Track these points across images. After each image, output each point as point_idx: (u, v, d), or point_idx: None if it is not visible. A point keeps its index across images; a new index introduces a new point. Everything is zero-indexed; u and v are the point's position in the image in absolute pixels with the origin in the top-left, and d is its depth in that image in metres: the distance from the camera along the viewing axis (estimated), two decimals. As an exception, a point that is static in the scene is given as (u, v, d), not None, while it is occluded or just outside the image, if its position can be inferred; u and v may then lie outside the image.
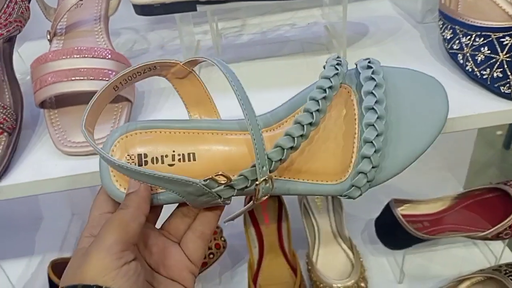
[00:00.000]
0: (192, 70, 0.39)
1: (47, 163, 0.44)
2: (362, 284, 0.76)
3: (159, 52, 0.66)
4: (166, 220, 0.39)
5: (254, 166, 0.32)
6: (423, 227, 0.75)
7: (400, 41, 0.58)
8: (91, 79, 0.44)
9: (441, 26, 0.50)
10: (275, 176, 0.35)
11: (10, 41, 0.51)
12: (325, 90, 0.34)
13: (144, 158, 0.35)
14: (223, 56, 0.61)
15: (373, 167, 0.33)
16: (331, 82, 0.34)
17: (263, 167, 0.32)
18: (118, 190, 0.35)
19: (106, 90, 0.35)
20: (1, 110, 0.44)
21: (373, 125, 0.33)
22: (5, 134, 0.44)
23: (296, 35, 0.64)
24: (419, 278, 0.80)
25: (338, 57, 0.37)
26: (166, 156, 0.35)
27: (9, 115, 0.45)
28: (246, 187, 0.33)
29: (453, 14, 0.47)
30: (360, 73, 0.36)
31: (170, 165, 0.35)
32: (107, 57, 0.45)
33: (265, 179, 0.32)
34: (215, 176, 0.31)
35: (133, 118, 0.48)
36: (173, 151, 0.35)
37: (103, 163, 0.35)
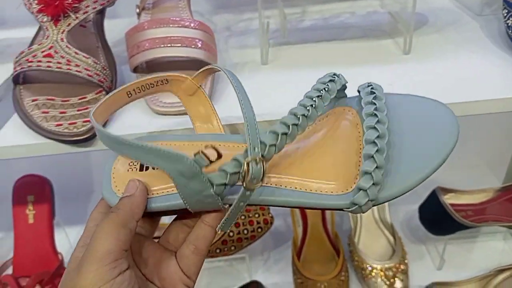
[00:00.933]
0: (200, 87, 0.42)
1: (141, 120, 0.49)
2: (403, 267, 0.79)
3: (226, 33, 0.71)
4: (166, 229, 0.39)
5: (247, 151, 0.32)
6: (466, 216, 0.77)
7: (461, 30, 0.61)
8: (184, 46, 0.49)
9: (505, 14, 0.53)
10: (276, 184, 0.35)
11: (102, 12, 0.57)
12: (320, 91, 0.36)
13: (146, 167, 0.37)
14: (288, 38, 0.65)
15: (373, 184, 0.32)
16: (328, 86, 0.37)
17: (254, 149, 0.32)
18: (118, 198, 0.35)
19: (119, 92, 0.39)
20: (101, 71, 0.49)
21: (374, 141, 0.33)
22: (104, 92, 0.49)
23: (357, 22, 0.68)
24: (458, 267, 0.82)
25: (334, 74, 0.39)
26: None
27: (107, 76, 0.50)
28: (239, 173, 0.32)
29: None
30: (362, 98, 0.37)
31: None
32: (196, 28, 0.50)
33: (255, 160, 0.32)
34: (205, 148, 0.31)
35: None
36: None
37: (106, 173, 0.37)
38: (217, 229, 0.36)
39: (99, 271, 0.29)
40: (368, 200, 0.32)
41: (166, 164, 0.32)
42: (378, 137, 0.33)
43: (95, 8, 0.52)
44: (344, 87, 0.40)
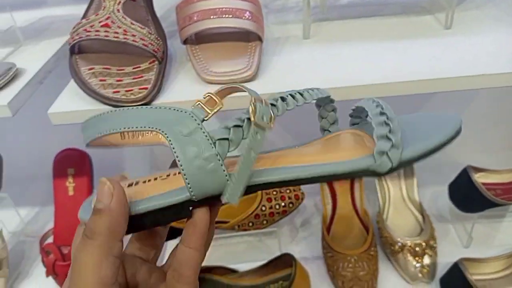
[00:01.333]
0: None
1: (192, 89, 0.51)
2: (432, 243, 0.80)
3: (264, 10, 0.72)
4: (171, 252, 0.33)
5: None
6: (496, 194, 0.78)
7: (501, 7, 0.61)
8: (234, 17, 0.50)
9: None
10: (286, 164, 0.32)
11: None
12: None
13: (135, 183, 0.32)
14: (328, 14, 0.66)
15: (391, 131, 0.30)
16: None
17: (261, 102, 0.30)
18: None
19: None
20: (155, 41, 0.51)
21: (381, 114, 0.32)
22: (157, 62, 0.51)
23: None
24: (485, 245, 0.83)
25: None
26: (161, 176, 0.32)
27: (160, 46, 0.52)
28: (240, 126, 0.29)
29: None
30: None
31: (163, 179, 0.32)
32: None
33: (261, 101, 0.29)
34: (204, 98, 0.29)
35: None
36: (169, 173, 0.33)
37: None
38: (224, 199, 0.29)
39: None
40: (392, 146, 0.30)
41: (157, 121, 0.28)
42: (385, 116, 0.32)
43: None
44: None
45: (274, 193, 0.83)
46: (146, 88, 0.48)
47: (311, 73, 0.52)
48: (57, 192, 0.83)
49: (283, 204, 0.82)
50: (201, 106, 0.29)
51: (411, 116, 0.36)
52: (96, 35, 0.49)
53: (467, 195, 0.77)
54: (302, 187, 0.89)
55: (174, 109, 0.29)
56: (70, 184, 0.83)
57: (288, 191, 0.83)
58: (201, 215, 0.29)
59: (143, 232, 0.33)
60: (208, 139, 0.28)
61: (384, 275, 0.81)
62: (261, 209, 0.81)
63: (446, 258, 0.80)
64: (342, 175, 0.31)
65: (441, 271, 0.80)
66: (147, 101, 0.47)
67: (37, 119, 0.91)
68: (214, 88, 0.50)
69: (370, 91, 0.48)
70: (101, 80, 0.49)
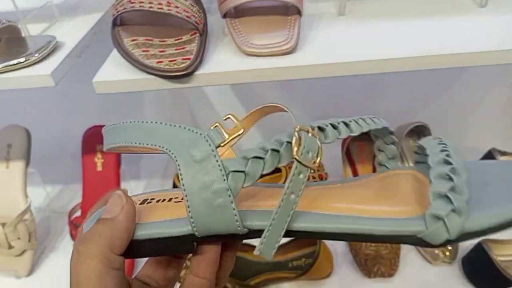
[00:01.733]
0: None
1: (232, 61, 0.52)
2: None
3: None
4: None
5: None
6: None
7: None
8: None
9: None
10: (325, 210, 0.27)
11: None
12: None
13: (149, 201, 0.30)
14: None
15: (453, 189, 0.24)
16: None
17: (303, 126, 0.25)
18: None
19: None
20: (197, 13, 0.52)
21: (447, 155, 0.26)
22: (198, 34, 0.52)
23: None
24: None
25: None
26: (176, 197, 0.30)
27: (201, 18, 0.53)
28: (264, 160, 0.25)
29: None
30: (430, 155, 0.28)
31: (177, 202, 0.30)
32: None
33: (306, 130, 0.25)
34: (224, 119, 0.26)
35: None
36: (177, 196, 0.31)
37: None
38: (256, 252, 0.25)
39: None
40: (452, 210, 0.23)
41: (169, 141, 0.25)
42: (451, 166, 0.25)
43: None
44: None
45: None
46: (189, 59, 0.49)
47: (348, 48, 0.52)
48: (85, 167, 0.85)
49: (307, 183, 0.83)
50: (219, 129, 0.26)
51: (479, 164, 0.28)
52: (140, 6, 0.50)
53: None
54: (326, 167, 0.90)
55: (190, 129, 0.25)
56: (98, 160, 0.85)
57: (312, 171, 0.84)
58: (213, 246, 0.27)
59: (158, 259, 0.31)
60: (220, 169, 0.24)
61: (406, 254, 0.83)
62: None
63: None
64: (381, 237, 0.25)
65: (462, 252, 0.81)
66: (190, 71, 0.48)
67: (65, 97, 0.93)
68: (254, 61, 0.52)
69: (404, 63, 0.49)
70: (144, 51, 0.50)
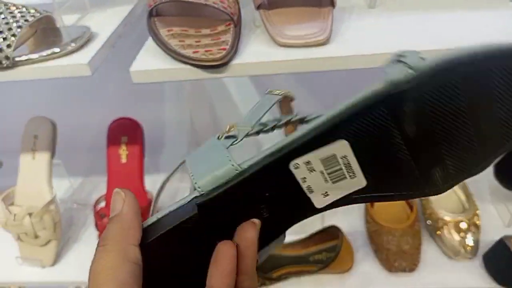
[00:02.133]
0: None
1: (266, 51, 0.52)
2: (476, 221, 0.82)
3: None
4: None
5: None
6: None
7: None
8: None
9: None
10: None
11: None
12: None
13: None
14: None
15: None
16: None
17: None
18: None
19: None
20: (233, 4, 0.53)
21: None
22: (232, 25, 0.53)
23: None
24: (527, 225, 0.84)
25: None
26: None
27: (236, 9, 0.54)
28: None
29: None
30: None
31: None
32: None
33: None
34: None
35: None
36: None
37: None
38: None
39: None
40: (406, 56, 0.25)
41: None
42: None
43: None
44: None
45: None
46: (224, 49, 0.49)
47: (380, 39, 0.53)
48: (110, 159, 0.86)
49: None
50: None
51: None
52: (178, -3, 0.51)
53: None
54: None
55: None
56: (123, 151, 0.86)
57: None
58: (224, 249, 0.26)
59: None
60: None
61: (427, 250, 0.83)
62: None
63: (488, 236, 0.82)
64: (357, 106, 0.24)
65: (483, 248, 0.81)
66: (226, 61, 0.49)
67: (91, 89, 0.94)
68: (288, 52, 0.52)
69: (433, 56, 0.49)
70: (180, 41, 0.51)
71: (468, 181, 0.94)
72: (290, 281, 0.82)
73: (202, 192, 0.26)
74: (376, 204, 0.88)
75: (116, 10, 0.70)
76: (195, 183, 0.26)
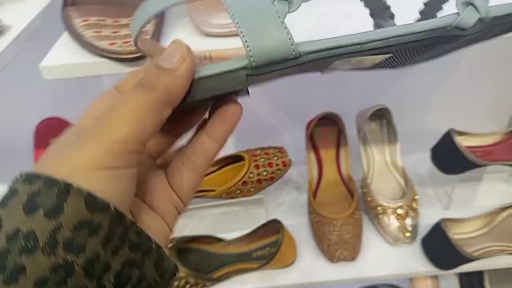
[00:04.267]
0: None
1: (190, 41, 0.49)
2: (414, 205, 0.83)
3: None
4: None
5: None
6: (476, 156, 0.81)
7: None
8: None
9: None
10: None
11: None
12: None
13: None
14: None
15: None
16: None
17: None
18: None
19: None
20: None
21: None
22: (153, 14, 0.50)
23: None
24: (464, 208, 0.87)
25: None
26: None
27: (156, -1, 0.51)
28: None
29: None
30: None
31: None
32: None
33: None
34: None
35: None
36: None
37: None
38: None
39: (101, 156, 0.22)
40: None
41: None
42: None
43: None
44: None
45: (262, 159, 0.83)
46: (144, 40, 0.46)
47: (310, 29, 0.52)
48: (38, 161, 0.80)
49: (270, 170, 0.82)
50: None
51: None
52: (91, -17, 0.47)
53: (450, 157, 0.80)
54: (290, 154, 0.89)
55: None
56: (52, 153, 0.81)
57: (275, 157, 0.84)
58: (235, 108, 0.27)
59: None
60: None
61: (368, 237, 0.84)
62: (249, 176, 0.81)
63: (427, 220, 0.84)
64: (422, 33, 0.27)
65: (422, 232, 0.83)
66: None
67: (13, 89, 0.88)
68: (213, 41, 0.50)
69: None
70: (96, 32, 0.48)
71: (410, 164, 0.96)
72: (233, 279, 0.80)
73: (256, 65, 0.25)
74: (319, 195, 0.88)
75: (35, 1, 0.65)
76: (250, 50, 0.25)
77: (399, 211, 0.82)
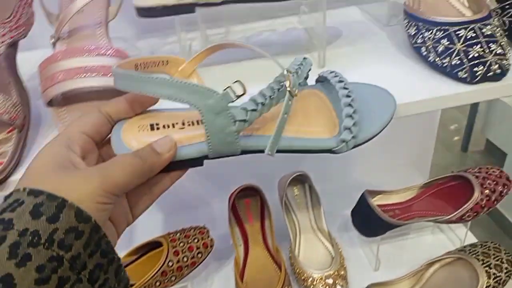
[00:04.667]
0: (195, 70, 0.46)
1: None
2: (342, 272, 0.81)
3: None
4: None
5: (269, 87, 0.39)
6: (395, 215, 0.81)
7: (370, 41, 0.65)
8: (100, 75, 0.47)
9: (406, 24, 0.59)
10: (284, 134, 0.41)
11: (14, 45, 0.53)
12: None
13: (156, 126, 0.39)
14: (212, 58, 0.65)
15: (354, 124, 0.41)
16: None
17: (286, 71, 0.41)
18: (123, 143, 0.37)
19: (128, 63, 0.40)
20: (12, 108, 0.46)
21: (348, 95, 0.43)
22: (16, 130, 0.46)
23: (277, 39, 0.70)
24: (393, 265, 0.85)
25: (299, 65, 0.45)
26: (177, 123, 0.39)
27: (19, 113, 0.47)
28: (263, 103, 0.38)
29: (416, 13, 0.56)
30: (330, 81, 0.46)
31: (181, 128, 0.39)
32: (113, 55, 0.49)
33: (291, 72, 0.40)
34: (233, 83, 0.37)
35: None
36: (183, 120, 0.40)
37: (116, 131, 0.38)
38: (266, 152, 0.38)
39: (97, 193, 0.30)
40: (352, 137, 0.41)
41: (197, 100, 0.35)
42: (351, 98, 0.43)
43: (4, 42, 0.49)
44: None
45: (182, 244, 0.79)
46: (1, 163, 0.42)
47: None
48: None
49: (191, 255, 0.78)
50: (230, 91, 0.36)
51: (363, 91, 0.46)
52: None
53: (367, 221, 0.79)
54: (212, 230, 0.86)
55: (211, 90, 0.36)
56: None
57: (196, 240, 0.80)
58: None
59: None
60: (231, 119, 0.36)
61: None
62: (168, 265, 0.76)
63: (358, 284, 0.81)
64: (309, 151, 0.42)
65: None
66: (2, 177, 0.42)
67: None
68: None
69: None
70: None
71: (337, 224, 0.95)
72: None
73: (211, 157, 0.39)
74: (246, 274, 0.84)
75: None
76: (211, 149, 0.38)
77: (328, 281, 0.79)
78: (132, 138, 0.37)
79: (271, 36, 0.71)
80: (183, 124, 0.39)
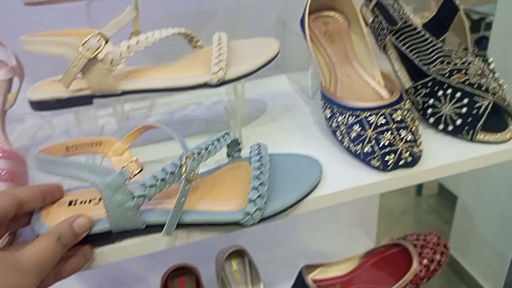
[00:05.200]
0: (128, 147, 0.51)
1: None
2: None
3: (64, 137, 0.66)
4: None
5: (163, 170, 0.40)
6: (335, 290, 0.78)
7: (294, 117, 0.63)
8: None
9: (322, 105, 0.56)
10: (193, 208, 0.43)
11: None
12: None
13: (74, 203, 0.42)
14: (147, 135, 0.61)
15: (259, 196, 0.41)
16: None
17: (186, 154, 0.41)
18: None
19: (59, 146, 0.45)
20: None
21: (258, 168, 0.45)
22: None
23: (201, 114, 0.68)
24: None
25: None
26: (94, 198, 0.43)
27: None
28: (164, 179, 0.39)
29: (331, 95, 0.53)
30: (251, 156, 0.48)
31: (95, 204, 0.42)
32: (1, 157, 0.45)
33: (189, 158, 0.41)
34: (129, 163, 0.39)
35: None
36: (96, 197, 0.43)
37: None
38: (162, 233, 0.40)
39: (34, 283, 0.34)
40: (257, 209, 0.41)
41: (96, 178, 0.38)
42: (260, 171, 0.44)
43: None
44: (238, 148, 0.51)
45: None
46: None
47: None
48: None
49: None
50: (127, 168, 0.39)
51: (287, 162, 0.48)
52: None
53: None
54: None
55: (108, 169, 0.38)
56: None
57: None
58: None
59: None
60: (129, 195, 0.38)
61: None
62: None
63: None
64: (218, 224, 0.43)
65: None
66: None
67: None
68: None
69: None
70: None
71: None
72: None
73: (114, 232, 0.41)
74: None
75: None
76: (111, 224, 0.40)
77: None
78: (49, 213, 0.41)
79: (195, 110, 0.69)
80: (99, 200, 0.42)
